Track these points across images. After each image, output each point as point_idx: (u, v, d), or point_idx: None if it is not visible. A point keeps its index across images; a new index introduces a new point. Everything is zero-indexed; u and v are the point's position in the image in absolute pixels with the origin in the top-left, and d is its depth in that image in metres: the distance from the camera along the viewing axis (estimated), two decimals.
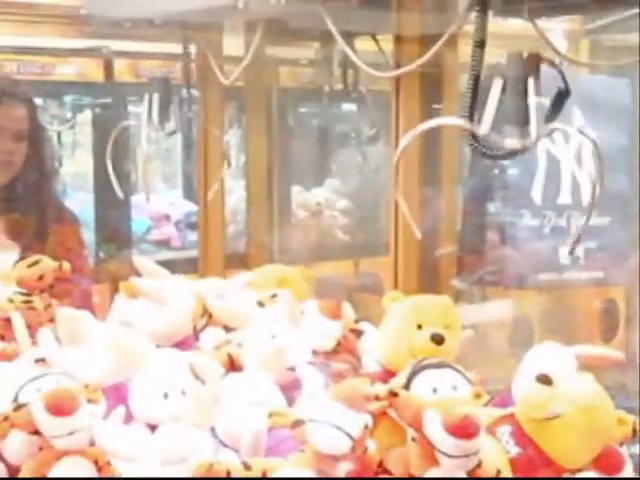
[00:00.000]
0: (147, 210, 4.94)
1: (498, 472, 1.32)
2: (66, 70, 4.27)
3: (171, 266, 2.09)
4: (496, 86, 1.54)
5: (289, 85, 4.33)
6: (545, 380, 1.46)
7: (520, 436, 1.48)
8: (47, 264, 1.98)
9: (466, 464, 1.26)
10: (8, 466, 1.42)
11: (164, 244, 5.07)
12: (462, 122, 1.69)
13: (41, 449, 1.38)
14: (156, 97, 2.54)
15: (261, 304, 1.87)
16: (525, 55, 1.51)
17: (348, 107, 4.49)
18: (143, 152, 2.78)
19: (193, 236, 4.43)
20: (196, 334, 1.95)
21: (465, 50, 2.25)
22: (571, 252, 2.20)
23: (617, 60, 2.59)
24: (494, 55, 2.45)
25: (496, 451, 1.42)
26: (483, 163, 2.55)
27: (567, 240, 2.52)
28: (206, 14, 2.54)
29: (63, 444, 1.34)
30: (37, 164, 2.58)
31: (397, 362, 1.63)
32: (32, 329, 1.80)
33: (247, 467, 1.27)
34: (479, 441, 1.23)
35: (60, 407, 1.32)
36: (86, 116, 4.60)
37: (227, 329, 1.94)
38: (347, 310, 1.95)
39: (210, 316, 2.01)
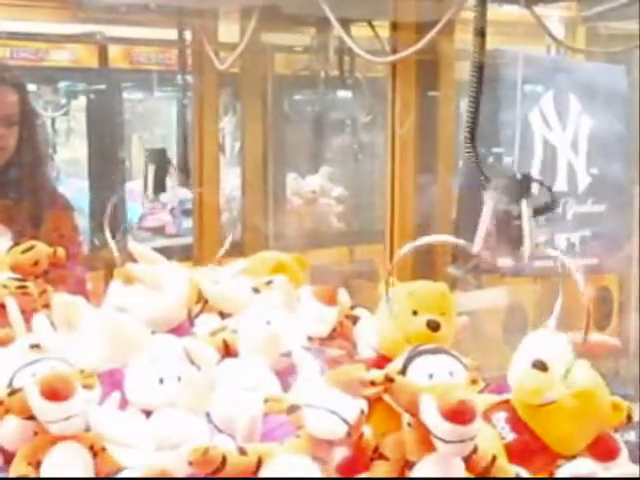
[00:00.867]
0: (141, 197, 4.93)
1: (494, 458, 1.32)
2: (60, 56, 4.25)
3: (166, 253, 2.09)
4: (488, 207, 1.53)
5: (284, 72, 4.32)
6: (540, 366, 1.47)
7: (515, 422, 1.48)
8: (42, 250, 1.98)
9: (462, 449, 1.26)
10: (3, 451, 1.42)
11: (159, 231, 5.07)
12: (453, 240, 1.69)
13: (36, 434, 1.37)
14: (152, 169, 2.51)
15: (256, 290, 1.87)
16: (518, 176, 1.50)
17: (344, 94, 4.49)
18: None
19: (188, 223, 4.43)
20: (191, 320, 1.95)
21: (461, 37, 2.25)
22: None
23: (613, 47, 2.59)
24: (493, 43, 2.45)
25: (492, 437, 1.42)
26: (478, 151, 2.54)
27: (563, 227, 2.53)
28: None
29: (58, 429, 1.34)
30: (30, 149, 2.57)
31: (393, 348, 1.62)
32: (27, 315, 1.79)
33: (242, 452, 1.27)
34: (475, 426, 1.23)
35: (55, 392, 1.31)
36: (80, 102, 4.59)
37: (223, 316, 1.93)
38: (343, 296, 1.95)
39: (205, 302, 2.01)
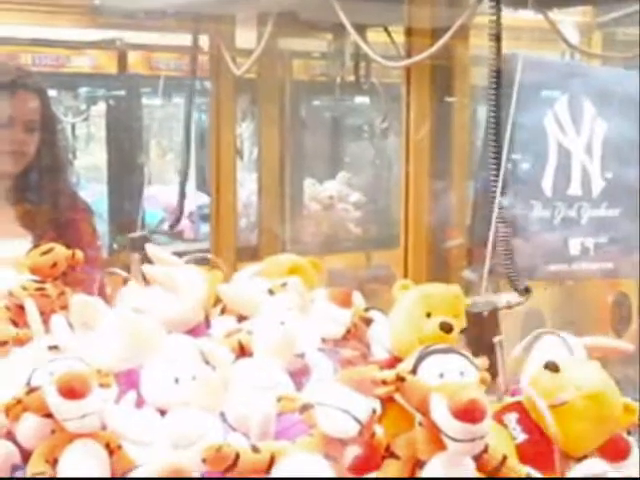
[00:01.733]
0: (160, 202, 4.97)
1: (504, 458, 1.33)
2: (80, 62, 4.29)
3: (184, 257, 2.11)
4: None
5: (301, 77, 4.34)
6: (553, 367, 1.47)
7: (527, 423, 1.49)
8: (60, 252, 2.00)
9: (472, 448, 1.27)
10: (21, 449, 1.44)
11: (177, 236, 5.10)
12: None
13: (53, 432, 1.40)
14: None
15: (271, 292, 1.88)
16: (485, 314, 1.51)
17: (360, 100, 4.50)
18: None
19: (206, 228, 4.45)
20: (208, 322, 1.97)
21: (476, 42, 2.26)
22: None
23: (628, 52, 2.59)
24: (508, 48, 2.45)
25: (503, 437, 1.44)
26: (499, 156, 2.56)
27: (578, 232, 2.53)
28: (218, 5, 2.56)
29: (75, 427, 1.36)
30: (50, 154, 2.59)
31: (406, 350, 1.63)
32: (45, 316, 1.82)
33: (255, 450, 1.29)
34: (485, 425, 1.24)
35: (72, 390, 1.33)
36: (100, 108, 4.63)
37: (241, 319, 1.95)
38: (357, 298, 1.97)
39: (224, 305, 2.03)
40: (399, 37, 2.72)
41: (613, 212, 2.55)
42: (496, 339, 1.46)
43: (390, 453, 1.32)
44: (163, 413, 1.48)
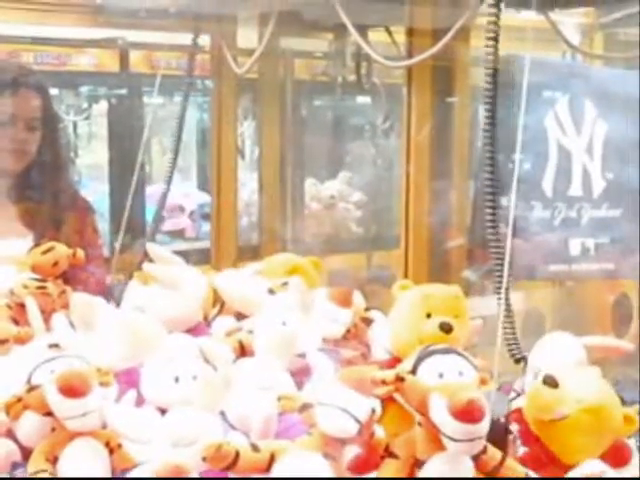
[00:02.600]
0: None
1: (503, 458, 1.34)
2: (82, 60, 4.29)
3: (185, 256, 2.12)
4: None
5: (303, 77, 4.34)
6: (551, 382, 1.47)
7: (527, 435, 1.49)
8: (61, 251, 2.01)
9: (471, 448, 1.27)
10: (21, 447, 1.44)
11: (178, 235, 5.10)
12: None
13: (54, 430, 1.40)
14: None
15: (272, 291, 1.89)
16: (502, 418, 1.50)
17: (362, 100, 4.50)
18: None
19: (207, 227, 4.45)
20: (208, 321, 1.97)
21: (477, 43, 2.26)
22: None
23: (630, 53, 2.59)
24: (509, 48, 2.45)
25: None
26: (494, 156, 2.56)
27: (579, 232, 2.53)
28: (220, 5, 2.56)
29: (75, 425, 1.37)
30: (52, 153, 2.60)
31: (406, 350, 1.63)
32: (46, 314, 1.83)
33: (255, 449, 1.29)
34: (484, 425, 1.25)
35: (72, 389, 1.34)
36: (102, 107, 4.63)
37: (239, 318, 1.96)
38: (357, 298, 1.97)
39: (223, 304, 2.03)
40: (400, 37, 2.72)
41: (614, 213, 2.55)
42: (511, 437, 1.47)
43: (389, 453, 1.32)
44: (163, 412, 1.48)
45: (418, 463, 1.31)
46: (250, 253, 3.51)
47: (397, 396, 1.34)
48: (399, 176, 2.82)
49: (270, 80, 3.57)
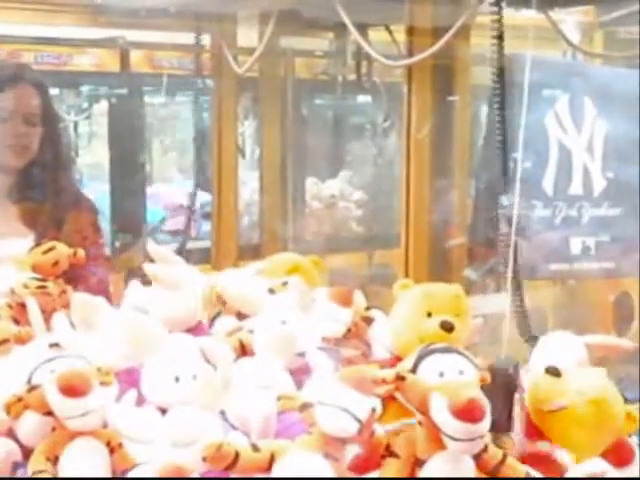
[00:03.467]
0: (162, 200, 4.97)
1: (504, 457, 1.34)
2: (83, 60, 4.30)
3: (186, 256, 2.12)
4: None
5: (303, 76, 4.34)
6: (553, 372, 1.47)
7: (528, 426, 1.49)
8: (62, 251, 2.01)
9: (472, 448, 1.27)
10: (22, 446, 1.44)
11: (179, 234, 5.10)
12: None
13: (54, 430, 1.40)
14: None
15: (272, 291, 1.88)
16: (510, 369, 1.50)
17: (362, 98, 4.50)
18: None
19: (208, 226, 4.46)
20: (210, 320, 1.97)
21: (477, 41, 2.26)
22: None
23: (630, 52, 2.59)
24: (509, 47, 2.45)
25: None
26: (495, 155, 2.57)
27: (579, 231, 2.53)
28: (220, 4, 2.56)
29: (76, 425, 1.36)
30: (53, 152, 2.59)
31: (407, 349, 1.63)
32: (46, 314, 1.83)
33: (255, 448, 1.29)
34: (485, 425, 1.25)
35: (73, 388, 1.34)
36: (102, 106, 4.63)
37: (240, 318, 1.95)
38: (358, 298, 1.97)
39: (224, 304, 2.03)
40: (400, 36, 2.73)
41: (614, 211, 2.55)
42: (517, 396, 1.46)
43: (390, 452, 1.32)
44: (164, 412, 1.48)
45: (419, 462, 1.31)
46: (251, 252, 3.52)
47: (398, 395, 1.34)
48: (400, 175, 2.83)
49: (270, 79, 3.58)
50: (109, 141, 4.51)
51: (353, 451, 1.33)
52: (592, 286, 3.57)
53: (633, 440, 1.53)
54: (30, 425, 1.42)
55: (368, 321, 1.92)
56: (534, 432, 1.49)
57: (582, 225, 2.50)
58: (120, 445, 1.40)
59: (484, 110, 2.71)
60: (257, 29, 2.88)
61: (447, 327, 1.68)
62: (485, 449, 1.31)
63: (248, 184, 4.29)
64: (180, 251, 3.35)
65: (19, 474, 1.42)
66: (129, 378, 1.57)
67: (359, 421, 1.28)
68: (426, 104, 2.55)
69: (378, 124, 4.26)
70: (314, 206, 4.72)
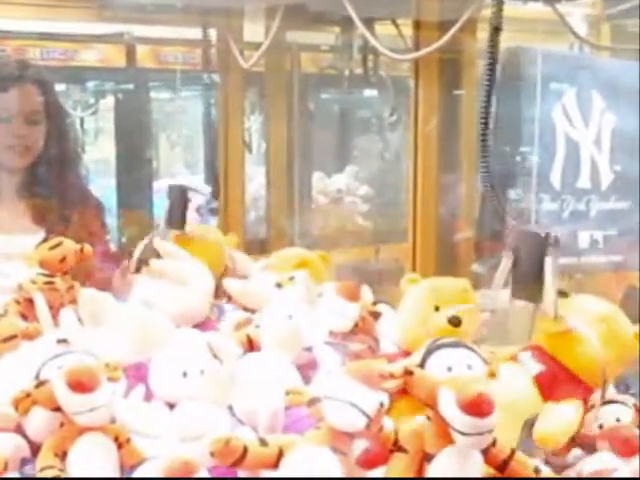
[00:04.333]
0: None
1: (512, 451, 1.33)
2: (88, 56, 4.29)
3: None
4: (506, 262, 1.55)
5: (309, 70, 4.34)
6: (562, 294, 1.50)
7: (541, 356, 1.54)
8: (69, 246, 2.01)
9: (480, 442, 1.27)
10: (30, 442, 1.44)
11: None
12: None
13: (62, 425, 1.40)
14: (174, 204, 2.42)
15: (279, 285, 1.89)
16: (544, 234, 1.51)
17: (369, 93, 4.49)
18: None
19: (214, 222, 4.46)
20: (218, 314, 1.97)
21: (484, 35, 2.25)
22: None
23: (638, 44, 2.58)
24: (516, 40, 2.44)
25: (520, 375, 1.49)
26: (502, 148, 2.56)
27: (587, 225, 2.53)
28: None
29: (84, 420, 1.36)
30: (59, 148, 2.59)
31: (414, 344, 1.64)
32: (54, 310, 1.83)
33: (263, 443, 1.29)
34: (493, 419, 1.24)
35: (81, 384, 1.34)
36: (109, 102, 4.63)
37: (246, 311, 1.95)
38: (365, 292, 1.97)
39: (229, 298, 2.04)
40: (407, 30, 2.72)
41: (622, 205, 2.54)
42: (548, 259, 1.48)
43: (398, 447, 1.32)
44: (171, 407, 1.48)
45: (427, 457, 1.30)
46: (258, 247, 3.52)
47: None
48: (407, 169, 2.83)
49: (277, 73, 3.58)
50: (115, 137, 4.51)
51: (361, 445, 1.33)
52: (600, 280, 3.56)
53: None
54: (38, 421, 1.42)
55: (375, 316, 1.92)
56: (550, 360, 1.53)
57: (590, 219, 2.50)
58: (128, 440, 1.41)
59: (492, 103, 2.70)
60: (263, 24, 2.88)
61: (455, 321, 1.68)
62: (493, 443, 1.30)
63: (254, 179, 4.29)
64: None
65: (27, 470, 1.42)
66: (137, 373, 1.57)
67: (367, 416, 1.27)
68: (433, 98, 2.55)
69: (385, 118, 4.25)
70: (320, 201, 4.71)
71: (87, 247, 2.04)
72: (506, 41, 2.03)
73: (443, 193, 2.71)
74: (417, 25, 2.51)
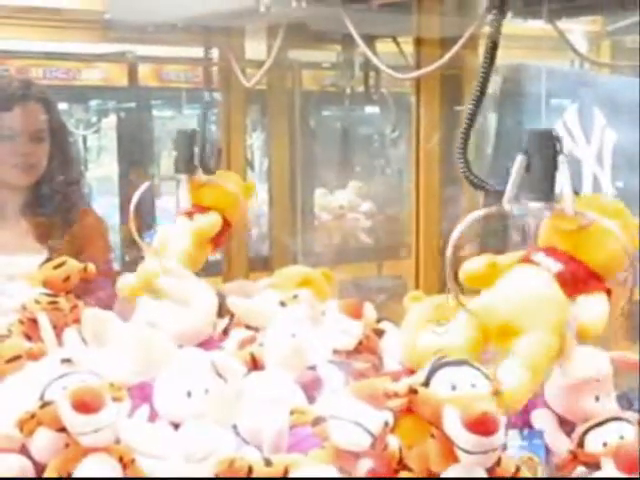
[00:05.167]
0: (173, 214, 4.95)
1: (517, 469, 1.33)
2: (91, 75, 4.31)
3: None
4: (520, 164, 1.55)
5: (311, 88, 4.35)
6: (576, 192, 1.52)
7: (557, 254, 1.56)
8: (72, 266, 2.02)
9: (485, 461, 1.27)
10: (35, 463, 1.44)
11: None
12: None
13: (67, 446, 1.40)
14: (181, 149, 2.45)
15: (283, 304, 1.89)
16: (554, 133, 1.51)
17: (370, 110, 4.50)
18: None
19: None
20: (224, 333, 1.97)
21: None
22: None
23: (638, 61, 2.59)
24: (516, 57, 2.45)
25: (541, 274, 1.53)
26: (504, 164, 2.56)
27: None
28: (228, 18, 2.57)
29: (89, 441, 1.36)
30: (62, 166, 2.59)
31: (418, 361, 1.64)
32: (58, 329, 1.83)
33: (268, 463, 1.29)
34: (498, 437, 1.24)
35: (86, 404, 1.34)
36: (111, 121, 4.64)
37: (249, 330, 1.95)
38: (369, 310, 1.97)
39: (232, 316, 2.04)
40: (408, 47, 2.73)
41: None
42: (561, 157, 1.49)
43: (403, 466, 1.32)
44: (176, 426, 1.48)
45: (432, 476, 1.30)
46: (261, 264, 3.51)
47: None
48: (409, 185, 2.82)
49: (279, 91, 3.58)
50: (118, 155, 4.51)
51: (366, 464, 1.33)
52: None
53: None
54: (43, 441, 1.42)
55: (379, 333, 1.92)
56: (566, 258, 1.54)
57: None
58: (133, 461, 1.40)
59: (493, 119, 2.70)
60: (265, 42, 2.88)
61: None
62: (498, 462, 1.30)
63: (257, 196, 4.29)
64: None
65: None
66: (141, 393, 1.57)
67: (372, 435, 1.28)
68: (434, 114, 2.55)
69: (386, 135, 4.25)
70: (323, 217, 4.71)
71: (90, 266, 2.04)
72: (506, 58, 2.03)
73: (446, 209, 2.71)
74: (418, 42, 2.52)
